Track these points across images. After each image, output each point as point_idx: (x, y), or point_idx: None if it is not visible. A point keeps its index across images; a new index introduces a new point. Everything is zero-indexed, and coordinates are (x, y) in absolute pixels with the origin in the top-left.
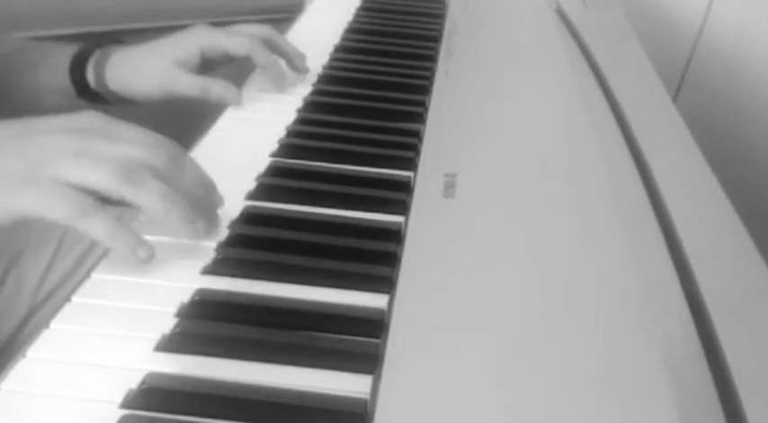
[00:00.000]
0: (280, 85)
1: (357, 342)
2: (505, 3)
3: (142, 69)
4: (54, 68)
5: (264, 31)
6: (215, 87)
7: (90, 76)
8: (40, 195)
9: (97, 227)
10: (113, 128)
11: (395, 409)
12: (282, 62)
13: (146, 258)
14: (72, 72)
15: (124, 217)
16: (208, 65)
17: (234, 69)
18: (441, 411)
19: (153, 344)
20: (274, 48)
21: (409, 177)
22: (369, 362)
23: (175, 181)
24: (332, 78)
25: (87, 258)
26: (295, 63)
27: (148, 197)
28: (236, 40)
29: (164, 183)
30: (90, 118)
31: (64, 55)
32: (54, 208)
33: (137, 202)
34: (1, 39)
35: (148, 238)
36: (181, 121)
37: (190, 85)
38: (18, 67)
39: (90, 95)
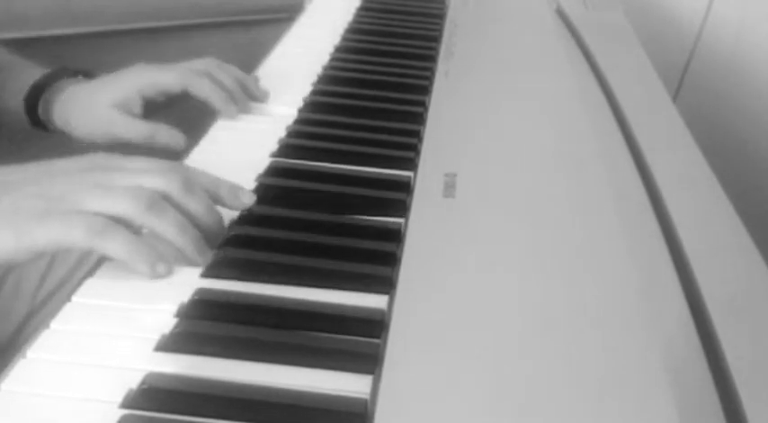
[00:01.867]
0: (228, 112)
1: (357, 342)
2: (505, 3)
3: (84, 113)
4: (15, 95)
5: (207, 63)
6: (160, 134)
7: (40, 112)
8: (55, 225)
9: (115, 245)
10: (125, 163)
11: (395, 409)
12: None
13: (164, 274)
14: (26, 103)
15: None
16: (155, 107)
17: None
18: (441, 411)
19: (153, 344)
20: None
21: (409, 177)
22: (369, 362)
23: (188, 208)
24: (332, 78)
25: (87, 259)
26: (249, 89)
27: (168, 227)
28: (170, 76)
29: (178, 210)
30: (101, 157)
31: (24, 82)
32: (69, 233)
33: (158, 231)
34: None
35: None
36: (180, 121)
37: (131, 131)
38: None
39: (41, 127)
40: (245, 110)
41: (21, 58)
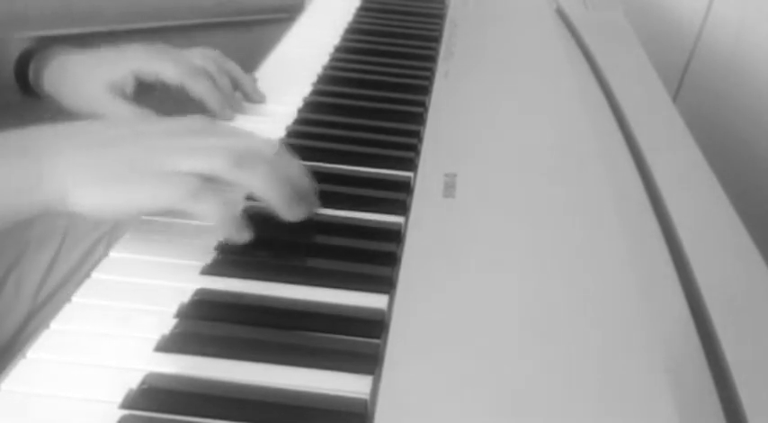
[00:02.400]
0: (223, 115)
1: (357, 342)
2: (505, 3)
3: (76, 87)
4: (5, 65)
5: (206, 56)
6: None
7: (30, 77)
8: (153, 185)
9: (208, 209)
10: (218, 127)
11: (395, 409)
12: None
13: (248, 240)
14: (16, 70)
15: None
16: (150, 88)
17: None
18: (441, 411)
19: (153, 344)
20: (227, 73)
21: (409, 177)
22: (369, 362)
23: (279, 167)
24: (332, 78)
25: (88, 260)
26: (245, 90)
27: (258, 180)
28: (171, 67)
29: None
30: (195, 120)
31: (14, 50)
32: (166, 193)
33: (247, 185)
34: None
35: (152, 237)
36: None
37: (116, 114)
38: None
39: (33, 95)
40: (239, 110)
41: (12, 35)
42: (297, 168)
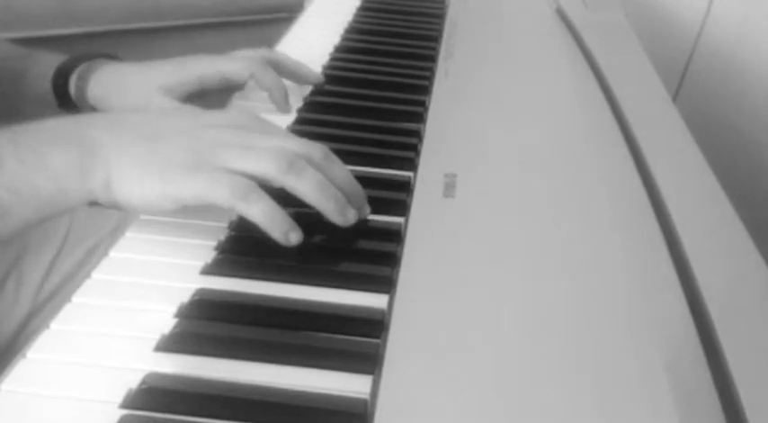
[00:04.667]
0: (284, 107)
1: (357, 342)
2: (505, 3)
3: (125, 91)
4: (38, 79)
5: (263, 52)
6: None
7: (72, 89)
8: (203, 181)
9: (256, 210)
10: (270, 126)
11: (395, 409)
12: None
13: (295, 241)
14: (55, 82)
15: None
16: (201, 94)
17: None
18: (441, 411)
19: (153, 344)
20: (277, 67)
21: (409, 177)
22: (369, 362)
23: (329, 172)
24: (332, 78)
25: (89, 261)
26: (306, 77)
27: (308, 185)
28: (238, 64)
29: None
30: (248, 116)
31: (48, 64)
32: (215, 191)
33: (297, 190)
34: None
35: (152, 237)
36: None
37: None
38: (2, 76)
39: (71, 107)
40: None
41: (23, 48)
42: (345, 173)
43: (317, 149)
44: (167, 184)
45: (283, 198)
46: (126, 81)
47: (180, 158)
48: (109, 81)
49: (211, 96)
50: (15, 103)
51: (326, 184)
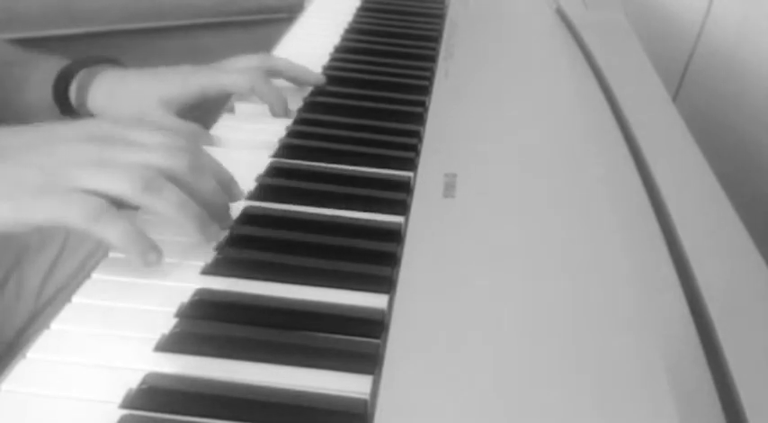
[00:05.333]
0: (284, 113)
1: (357, 342)
2: (505, 3)
3: (125, 101)
4: (40, 85)
5: (263, 59)
6: None
7: (72, 97)
8: (54, 203)
9: (110, 232)
10: (131, 133)
11: (395, 409)
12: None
13: (155, 263)
14: (56, 89)
15: (136, 218)
16: (200, 105)
17: None
18: (441, 411)
19: (153, 344)
20: (278, 75)
21: (409, 177)
22: (369, 362)
23: (194, 186)
24: (332, 78)
25: (90, 262)
26: (307, 80)
27: (166, 206)
28: (239, 77)
29: (181, 188)
30: (107, 124)
31: (49, 71)
32: (68, 214)
33: (156, 210)
34: None
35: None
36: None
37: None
38: (4, 82)
39: (73, 114)
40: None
41: (39, 53)
42: (211, 185)
43: (183, 160)
44: (17, 208)
45: (275, 190)
46: (125, 91)
47: (29, 179)
48: (108, 90)
49: (209, 99)
50: (18, 108)
51: (186, 203)
